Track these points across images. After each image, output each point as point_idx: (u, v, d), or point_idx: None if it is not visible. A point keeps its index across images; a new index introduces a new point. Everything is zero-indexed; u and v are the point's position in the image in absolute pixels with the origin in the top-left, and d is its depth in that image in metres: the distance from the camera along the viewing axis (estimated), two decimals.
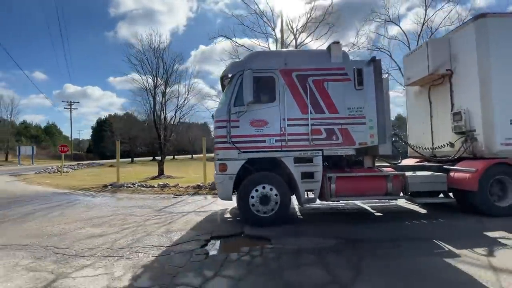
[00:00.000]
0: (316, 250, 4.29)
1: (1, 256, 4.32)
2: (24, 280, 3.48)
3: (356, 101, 5.78)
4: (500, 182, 6.07)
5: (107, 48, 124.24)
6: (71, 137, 59.34)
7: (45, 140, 58.17)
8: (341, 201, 6.98)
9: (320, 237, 4.93)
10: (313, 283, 3.26)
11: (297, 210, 7.19)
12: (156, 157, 43.02)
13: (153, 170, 20.37)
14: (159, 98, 18.62)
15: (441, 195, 6.87)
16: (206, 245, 4.69)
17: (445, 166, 6.54)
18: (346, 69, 5.82)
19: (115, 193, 11.20)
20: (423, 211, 6.76)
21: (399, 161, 7.14)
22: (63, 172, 22.40)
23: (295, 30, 17.50)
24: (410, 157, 8.36)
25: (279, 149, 5.67)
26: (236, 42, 17.59)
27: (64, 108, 54.00)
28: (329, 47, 6.02)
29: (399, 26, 20.88)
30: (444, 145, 6.90)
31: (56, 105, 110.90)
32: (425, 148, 7.59)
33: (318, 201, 6.07)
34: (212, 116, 6.36)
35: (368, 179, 5.89)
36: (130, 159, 44.89)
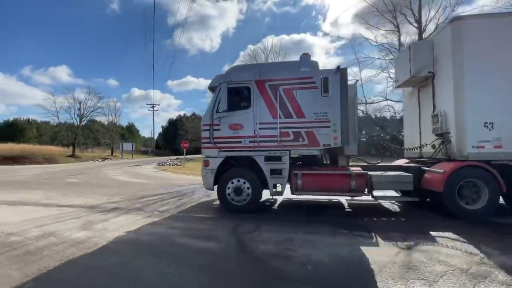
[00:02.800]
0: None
1: None
2: None
3: (322, 107, 5.91)
4: (475, 185, 5.55)
5: (166, 54, 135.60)
6: (153, 135, 66.72)
7: (129, 137, 65.75)
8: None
9: None
10: None
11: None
12: None
13: None
14: None
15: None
16: None
17: (422, 167, 6.20)
18: (314, 77, 5.97)
19: None
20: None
21: (379, 161, 6.92)
22: (179, 165, 24.98)
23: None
24: (404, 157, 7.91)
25: (252, 149, 6.16)
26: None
27: (148, 109, 60.96)
28: (300, 58, 6.21)
29: None
30: (422, 146, 6.50)
31: (125, 107, 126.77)
32: (412, 149, 7.17)
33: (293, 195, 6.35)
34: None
35: (333, 176, 5.98)
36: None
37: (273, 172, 6.05)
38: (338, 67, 5.97)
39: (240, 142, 6.23)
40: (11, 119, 59.71)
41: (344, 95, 5.91)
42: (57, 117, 44.32)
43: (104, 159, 41.31)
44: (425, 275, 3.10)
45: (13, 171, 19.92)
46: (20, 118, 58.83)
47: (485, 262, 3.44)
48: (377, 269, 3.28)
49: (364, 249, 3.98)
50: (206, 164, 6.39)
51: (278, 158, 6.06)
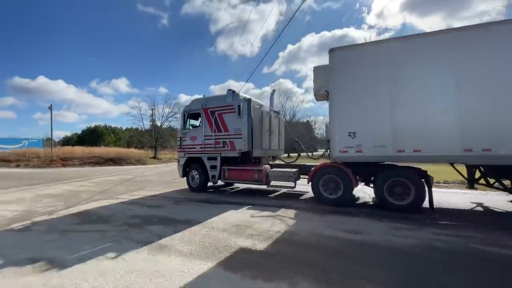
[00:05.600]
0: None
1: None
2: None
3: (238, 125, 8.44)
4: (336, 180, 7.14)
5: (209, 61, 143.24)
6: None
7: None
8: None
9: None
10: None
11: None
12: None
13: None
14: None
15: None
16: None
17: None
18: (234, 105, 8.54)
19: None
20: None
21: (294, 160, 8.98)
22: None
23: None
24: None
25: (201, 153, 9.14)
26: None
27: None
28: (226, 92, 8.87)
29: None
30: (312, 150, 8.26)
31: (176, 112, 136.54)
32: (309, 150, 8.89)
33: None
34: None
35: (244, 170, 8.44)
36: None
37: (211, 167, 8.90)
38: (245, 98, 8.48)
39: (195, 148, 9.29)
40: (92, 125, 64.54)
41: (250, 116, 8.33)
42: (142, 122, 47.23)
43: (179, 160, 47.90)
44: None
45: (125, 171, 20.94)
46: (99, 125, 64.63)
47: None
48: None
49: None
50: (178, 161, 9.71)
51: (215, 158, 8.88)
